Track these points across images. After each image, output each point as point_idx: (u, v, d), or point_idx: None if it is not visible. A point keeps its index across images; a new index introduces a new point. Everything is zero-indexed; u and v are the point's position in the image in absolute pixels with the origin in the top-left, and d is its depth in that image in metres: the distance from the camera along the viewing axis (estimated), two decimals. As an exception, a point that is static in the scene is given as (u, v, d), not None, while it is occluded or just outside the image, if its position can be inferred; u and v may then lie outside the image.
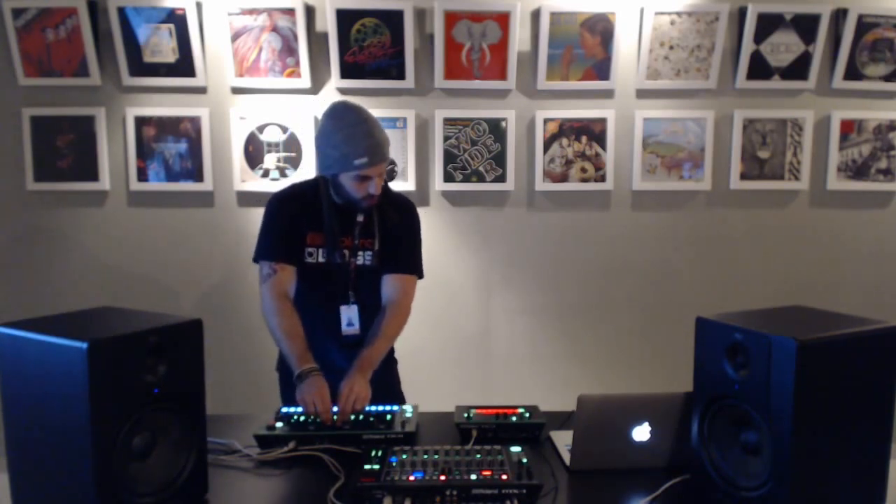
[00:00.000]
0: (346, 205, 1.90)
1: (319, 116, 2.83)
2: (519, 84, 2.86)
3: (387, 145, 1.85)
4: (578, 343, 3.03)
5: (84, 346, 1.16)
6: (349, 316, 1.95)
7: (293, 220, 1.92)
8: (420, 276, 2.02)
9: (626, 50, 2.85)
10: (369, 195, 1.84)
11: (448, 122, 2.85)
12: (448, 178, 2.88)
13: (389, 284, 1.96)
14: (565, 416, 1.83)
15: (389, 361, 2.11)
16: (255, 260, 1.96)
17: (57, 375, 1.19)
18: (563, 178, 2.91)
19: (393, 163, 2.85)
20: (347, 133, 1.79)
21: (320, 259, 1.93)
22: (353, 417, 1.71)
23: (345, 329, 1.95)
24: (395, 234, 1.96)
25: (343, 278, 1.93)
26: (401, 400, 2.12)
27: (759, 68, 2.88)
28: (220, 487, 1.45)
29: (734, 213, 2.99)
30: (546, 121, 2.87)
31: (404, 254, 1.98)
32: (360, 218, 1.93)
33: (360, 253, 1.94)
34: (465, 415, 1.75)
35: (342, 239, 1.92)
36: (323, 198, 1.89)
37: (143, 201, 2.88)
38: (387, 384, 2.08)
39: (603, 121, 2.88)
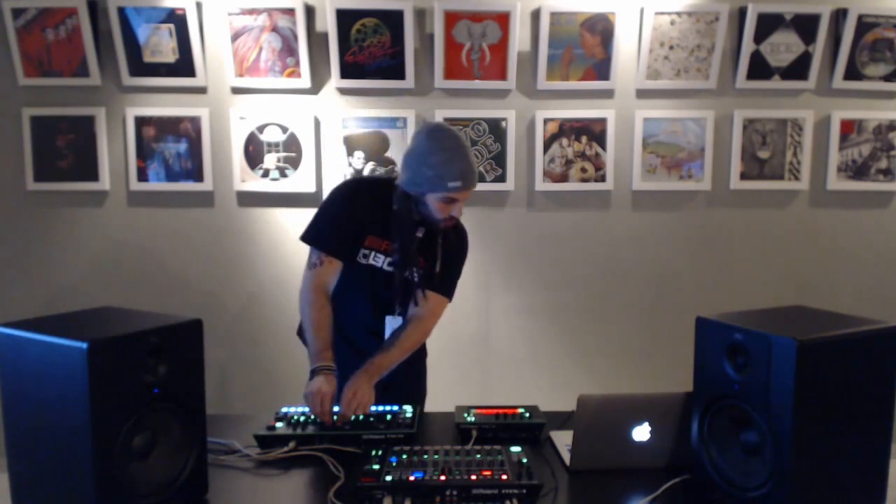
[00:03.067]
0: (420, 221, 1.88)
1: (319, 116, 2.85)
2: (519, 84, 2.86)
3: (477, 171, 1.91)
4: (578, 343, 3.02)
5: (84, 346, 1.16)
6: (393, 327, 1.94)
7: (358, 217, 1.88)
8: (450, 299, 2.00)
9: (626, 50, 2.85)
10: (451, 217, 1.85)
11: (448, 122, 2.85)
12: (448, 178, 2.87)
13: (421, 299, 1.94)
14: (565, 416, 1.83)
15: (420, 357, 2.12)
16: (305, 240, 1.92)
17: (57, 375, 1.19)
18: (563, 178, 2.91)
19: (393, 162, 2.85)
20: (446, 156, 1.77)
21: (372, 261, 1.90)
22: (352, 418, 1.71)
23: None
24: (446, 255, 1.95)
25: (397, 290, 1.91)
26: (422, 393, 2.13)
27: (759, 68, 2.88)
28: (220, 487, 1.45)
29: (734, 213, 2.99)
30: (546, 121, 2.87)
31: (444, 275, 1.95)
32: (420, 234, 1.90)
33: (413, 269, 1.90)
34: (465, 415, 1.75)
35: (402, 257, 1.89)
36: (399, 210, 1.85)
37: (143, 201, 2.88)
38: (415, 375, 2.10)
39: (603, 121, 2.88)
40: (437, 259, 1.92)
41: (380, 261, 1.90)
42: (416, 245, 1.89)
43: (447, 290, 1.98)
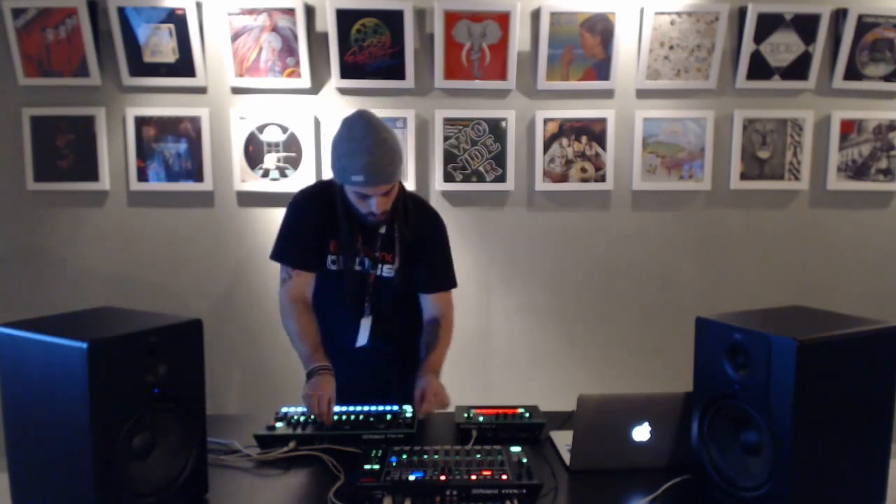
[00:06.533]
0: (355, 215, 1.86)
1: (319, 116, 2.85)
2: (519, 84, 2.86)
3: (391, 166, 1.73)
4: (578, 343, 3.03)
5: (84, 346, 1.16)
6: (366, 328, 1.93)
7: (315, 226, 1.88)
8: (455, 285, 2.00)
9: (626, 50, 2.85)
10: (372, 213, 1.78)
11: (448, 122, 2.85)
12: (448, 178, 2.88)
13: (432, 303, 1.94)
14: (565, 416, 1.83)
15: None
16: (273, 258, 1.93)
17: (57, 375, 1.19)
18: (563, 178, 2.91)
19: None
20: (351, 147, 1.72)
21: (342, 266, 1.90)
22: (352, 418, 1.72)
23: (358, 342, 1.94)
24: (422, 250, 1.91)
25: (362, 289, 1.91)
26: None
27: (759, 68, 2.88)
28: (220, 487, 1.45)
29: (734, 213, 2.99)
30: (546, 121, 2.87)
31: (438, 271, 1.95)
32: (383, 230, 1.87)
33: (381, 265, 1.91)
34: (465, 415, 1.75)
35: (364, 248, 1.88)
36: (339, 206, 1.84)
37: (143, 201, 2.88)
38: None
39: (603, 121, 2.88)
40: (396, 255, 1.88)
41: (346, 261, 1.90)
42: (381, 241, 1.88)
43: (448, 283, 1.98)
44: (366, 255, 1.89)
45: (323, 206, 1.89)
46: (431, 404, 1.70)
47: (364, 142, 1.70)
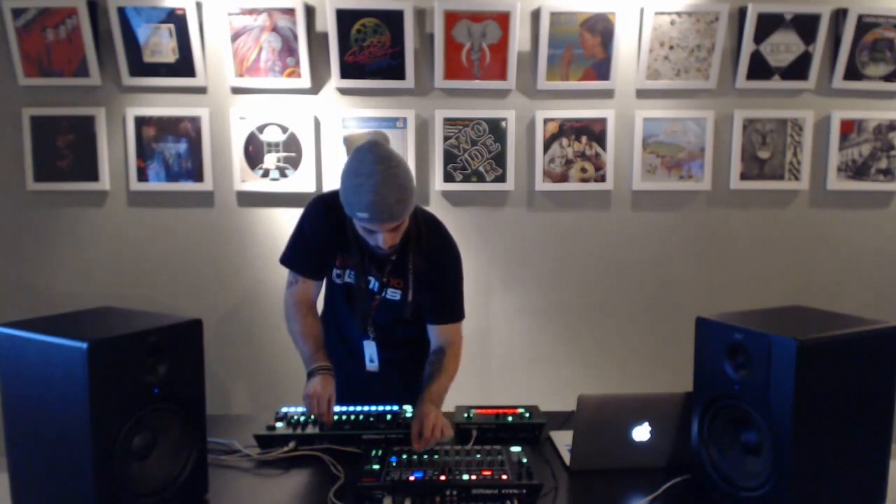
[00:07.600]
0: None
1: (319, 116, 2.84)
2: (519, 84, 2.86)
3: (399, 205, 1.63)
4: (578, 343, 3.02)
5: (84, 346, 1.16)
6: (370, 352, 1.92)
7: (324, 239, 1.85)
8: (464, 317, 1.98)
9: (626, 50, 2.85)
10: (379, 247, 1.72)
11: (448, 122, 2.85)
12: (448, 178, 2.88)
13: (441, 334, 1.91)
14: (565, 416, 1.83)
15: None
16: (282, 263, 1.92)
17: (57, 375, 1.19)
18: (563, 178, 2.91)
19: None
20: (357, 182, 1.63)
21: (347, 279, 1.88)
22: (352, 418, 1.72)
23: (368, 366, 1.92)
24: (433, 279, 1.87)
25: (366, 308, 1.88)
26: None
27: (759, 68, 2.88)
28: (220, 487, 1.45)
29: (734, 213, 2.99)
30: (546, 121, 2.87)
31: (448, 303, 1.93)
32: (394, 257, 1.83)
33: (388, 289, 1.87)
34: (465, 415, 1.75)
35: (372, 268, 1.85)
36: (349, 231, 1.79)
37: (143, 201, 2.88)
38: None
39: (603, 121, 2.88)
40: (409, 285, 1.84)
41: (354, 277, 1.87)
42: (391, 267, 1.84)
43: (457, 315, 1.95)
44: (372, 276, 1.86)
45: (335, 220, 1.82)
46: (429, 441, 1.58)
47: (371, 178, 1.61)
